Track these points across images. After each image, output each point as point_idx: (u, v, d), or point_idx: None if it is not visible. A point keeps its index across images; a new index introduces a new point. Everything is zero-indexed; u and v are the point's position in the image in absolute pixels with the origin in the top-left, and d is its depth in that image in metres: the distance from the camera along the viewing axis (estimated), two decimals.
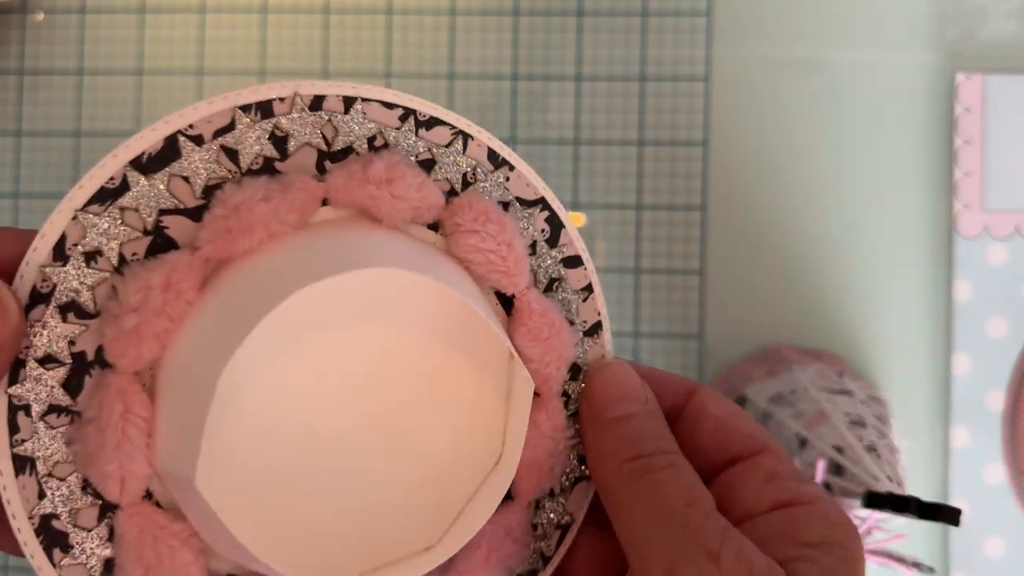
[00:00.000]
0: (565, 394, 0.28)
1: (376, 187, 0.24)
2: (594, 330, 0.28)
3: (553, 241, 0.27)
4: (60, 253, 0.23)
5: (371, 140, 0.25)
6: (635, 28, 0.51)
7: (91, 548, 0.23)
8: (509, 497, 0.27)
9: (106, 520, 0.23)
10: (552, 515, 0.28)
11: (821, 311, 0.50)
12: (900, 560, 0.40)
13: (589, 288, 0.28)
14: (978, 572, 0.47)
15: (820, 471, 0.39)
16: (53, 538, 0.23)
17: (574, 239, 0.28)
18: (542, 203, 0.27)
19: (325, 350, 0.24)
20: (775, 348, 0.49)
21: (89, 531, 0.23)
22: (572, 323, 0.27)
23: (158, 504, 0.24)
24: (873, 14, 0.50)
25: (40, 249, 0.23)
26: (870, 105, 0.50)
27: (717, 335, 0.50)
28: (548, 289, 0.27)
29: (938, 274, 0.49)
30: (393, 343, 0.25)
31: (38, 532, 0.23)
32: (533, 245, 0.27)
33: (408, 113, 0.26)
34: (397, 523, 0.25)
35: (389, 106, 0.25)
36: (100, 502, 0.23)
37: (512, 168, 0.27)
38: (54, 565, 0.23)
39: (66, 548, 0.23)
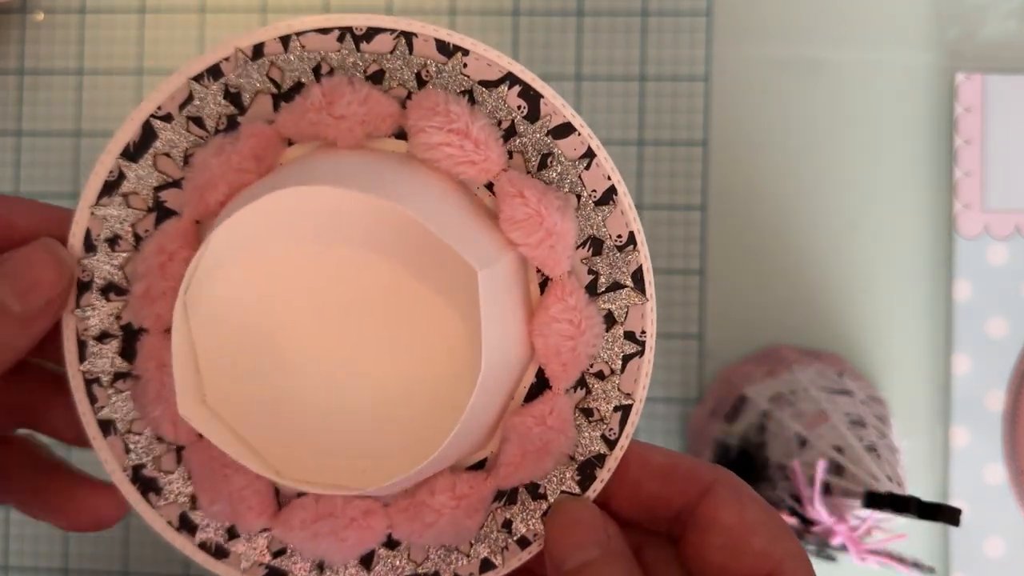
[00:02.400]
0: (592, 271, 0.26)
1: (316, 113, 0.25)
2: (608, 197, 0.26)
3: (533, 115, 0.26)
4: (89, 244, 0.26)
5: (316, 70, 0.26)
6: (635, 28, 0.51)
7: (178, 488, 0.27)
8: (548, 387, 0.26)
9: (182, 461, 0.27)
10: (606, 398, 0.26)
11: (821, 311, 0.50)
12: (900, 560, 0.40)
13: (590, 154, 0.26)
14: (978, 572, 0.47)
15: (820, 471, 0.39)
16: (146, 484, 0.27)
17: (558, 107, 0.26)
18: (509, 79, 0.26)
19: (273, 265, 0.26)
20: (775, 348, 0.49)
21: (172, 473, 0.27)
22: (578, 195, 0.26)
23: None
24: (873, 14, 0.50)
25: (74, 244, 0.26)
26: (870, 105, 0.50)
27: (717, 335, 0.50)
28: (543, 166, 0.26)
29: (938, 274, 0.49)
30: (347, 262, 0.26)
31: (132, 481, 0.27)
32: (511, 126, 0.26)
33: (344, 32, 0.25)
34: (390, 428, 0.26)
35: (324, 31, 0.25)
36: (174, 447, 0.27)
37: (467, 53, 0.26)
38: (151, 506, 0.27)
39: (158, 491, 0.27)
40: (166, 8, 0.52)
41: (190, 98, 0.26)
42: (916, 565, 0.40)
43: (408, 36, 0.26)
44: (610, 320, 0.26)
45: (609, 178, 0.26)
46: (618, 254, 0.26)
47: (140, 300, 0.26)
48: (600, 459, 0.26)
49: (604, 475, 0.26)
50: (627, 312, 0.26)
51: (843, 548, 0.40)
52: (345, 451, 0.26)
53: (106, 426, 0.27)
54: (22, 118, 0.53)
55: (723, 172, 0.50)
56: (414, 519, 0.26)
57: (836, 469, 0.40)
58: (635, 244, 0.26)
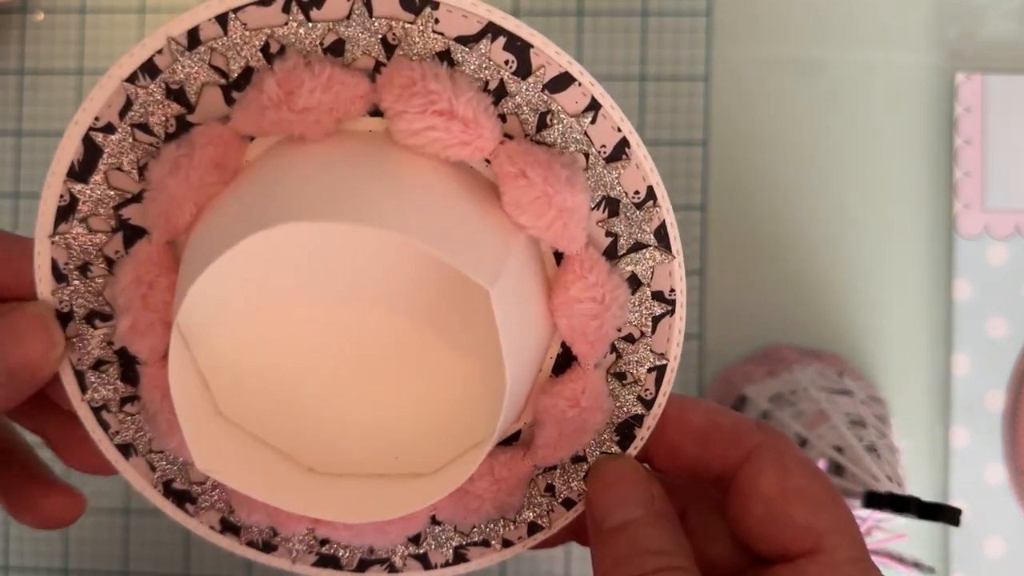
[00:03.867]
0: (610, 233, 0.24)
1: (275, 110, 0.22)
2: (620, 151, 0.23)
3: (524, 70, 0.23)
4: (59, 274, 0.24)
5: (265, 50, 0.22)
6: (635, 28, 0.51)
7: (214, 496, 0.26)
8: (575, 359, 0.25)
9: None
10: (639, 360, 0.25)
11: (821, 311, 0.50)
12: (900, 560, 0.40)
13: (594, 105, 0.23)
14: (978, 572, 0.47)
15: None
16: (179, 497, 0.26)
17: (551, 56, 0.23)
18: (491, 30, 0.22)
19: (268, 307, 0.25)
20: (775, 348, 0.49)
21: (203, 483, 0.26)
22: (586, 154, 0.23)
23: None
24: (873, 14, 0.50)
25: (43, 280, 0.24)
26: (870, 105, 0.50)
27: (717, 335, 0.50)
28: (542, 126, 0.23)
29: (938, 274, 0.49)
30: (345, 299, 0.25)
31: (165, 495, 0.26)
32: (500, 86, 0.23)
33: (288, 1, 0.22)
34: (399, 443, 0.26)
35: (266, 3, 0.22)
36: None
37: (437, 6, 0.22)
38: (190, 516, 0.26)
39: (193, 500, 0.26)
40: (166, 8, 0.52)
41: (129, 103, 0.23)
42: (916, 565, 0.40)
43: None
44: (635, 282, 0.24)
45: (619, 129, 0.23)
46: (637, 212, 0.24)
47: (128, 335, 0.24)
48: (638, 419, 0.25)
49: (644, 433, 0.25)
50: (652, 272, 0.24)
51: None
52: (374, 449, 0.26)
53: (125, 449, 0.26)
54: (22, 118, 0.53)
55: (723, 172, 0.50)
56: (457, 505, 0.26)
57: (836, 469, 0.40)
58: (655, 199, 0.23)
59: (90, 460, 0.27)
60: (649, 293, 0.24)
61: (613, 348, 0.25)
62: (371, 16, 0.22)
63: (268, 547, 0.27)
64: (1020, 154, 0.48)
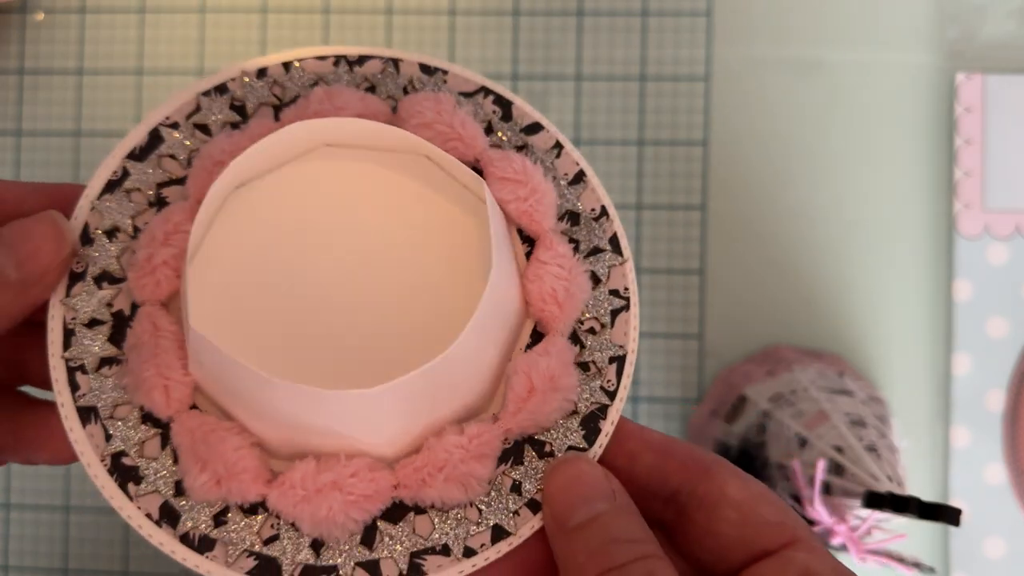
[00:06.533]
0: (573, 239, 0.29)
1: (318, 104, 0.28)
2: (579, 178, 0.29)
3: (507, 117, 0.29)
4: (86, 238, 0.27)
5: (312, 86, 0.29)
6: (635, 28, 0.51)
7: (159, 473, 0.26)
8: (540, 335, 0.28)
9: (169, 445, 0.26)
10: (600, 349, 0.27)
11: (821, 311, 0.50)
12: (900, 560, 0.40)
13: (558, 145, 0.29)
14: (978, 572, 0.47)
15: (820, 471, 0.39)
16: (125, 473, 0.26)
17: (528, 111, 0.29)
18: (484, 90, 0.29)
19: (294, 179, 0.28)
20: (775, 348, 0.49)
21: (155, 459, 0.26)
22: (554, 177, 0.29)
23: None
24: (873, 14, 0.50)
25: (74, 231, 0.27)
26: (870, 105, 0.50)
27: (717, 335, 0.50)
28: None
29: (938, 274, 0.49)
30: (366, 176, 0.29)
31: (111, 471, 0.26)
32: (489, 125, 0.29)
33: (339, 59, 0.29)
34: (397, 346, 0.27)
35: (321, 59, 0.29)
36: (160, 430, 0.26)
37: (446, 73, 0.29)
38: (130, 498, 0.25)
39: (138, 479, 0.26)
40: (166, 8, 0.52)
41: (197, 109, 0.29)
42: (916, 565, 0.40)
43: (395, 61, 0.29)
44: (595, 279, 0.28)
45: (578, 164, 0.29)
46: (594, 223, 0.29)
47: (141, 267, 0.26)
48: (603, 410, 0.27)
49: (608, 427, 0.26)
50: (609, 272, 0.28)
51: (843, 548, 0.40)
52: (366, 362, 0.26)
53: (86, 414, 0.26)
54: (22, 118, 0.53)
55: (723, 172, 0.50)
56: (420, 468, 0.25)
57: (836, 469, 0.40)
58: (608, 215, 0.29)
59: (64, 446, 0.26)
60: (607, 290, 0.28)
61: (579, 341, 0.27)
62: (398, 74, 0.29)
63: (205, 544, 0.25)
64: (1020, 154, 0.48)
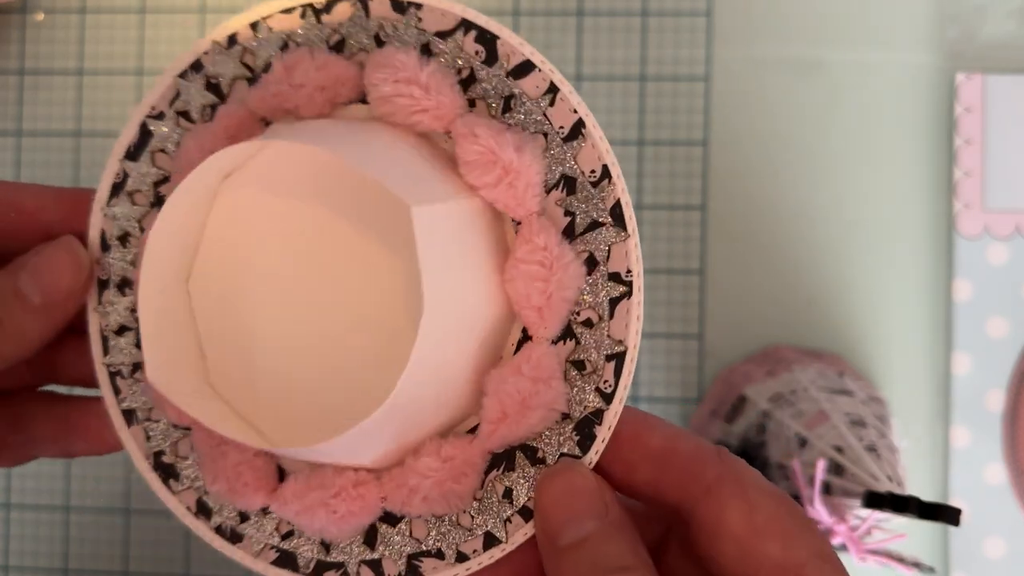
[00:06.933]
0: (568, 212, 0.25)
1: (276, 84, 0.26)
2: (576, 131, 0.25)
3: (491, 58, 0.25)
4: (104, 244, 0.28)
5: (284, 48, 0.27)
6: (635, 28, 0.51)
7: (193, 473, 0.27)
8: (528, 338, 0.25)
9: (192, 444, 0.27)
10: (597, 346, 0.25)
11: (821, 311, 0.50)
12: (900, 560, 0.40)
13: (552, 89, 0.25)
14: (978, 572, 0.47)
15: (820, 471, 0.39)
16: (166, 470, 0.27)
17: (515, 46, 0.25)
18: (464, 25, 0.25)
19: (233, 210, 0.27)
20: (775, 348, 0.49)
21: (187, 459, 0.27)
22: (545, 134, 0.25)
23: None
24: (873, 14, 0.50)
25: (93, 244, 0.28)
26: (870, 105, 0.50)
27: (717, 335, 0.50)
28: (507, 109, 0.25)
29: (938, 274, 0.49)
30: (287, 213, 0.26)
31: (154, 468, 0.27)
32: (471, 74, 0.25)
33: (306, 8, 0.26)
34: (350, 382, 0.26)
35: (288, 11, 0.27)
36: (187, 431, 0.27)
37: (420, 7, 0.25)
38: (172, 493, 0.27)
39: (176, 476, 0.27)
40: (166, 8, 0.52)
41: (178, 94, 0.27)
42: (916, 565, 0.40)
43: (364, 1, 0.26)
44: (592, 263, 0.25)
45: (575, 111, 0.25)
46: (593, 190, 0.25)
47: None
48: (598, 415, 0.24)
49: (604, 433, 0.24)
50: (609, 251, 0.25)
51: (843, 548, 0.40)
52: (316, 410, 0.26)
53: (129, 416, 0.28)
54: (22, 118, 0.53)
55: (723, 172, 0.50)
56: (402, 485, 0.25)
57: (836, 469, 0.40)
58: (610, 178, 0.25)
59: (104, 437, 0.29)
60: (606, 273, 0.25)
61: (572, 335, 0.25)
62: (367, 17, 0.26)
63: (235, 536, 0.27)
64: (1020, 154, 0.48)
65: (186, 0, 0.52)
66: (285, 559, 0.27)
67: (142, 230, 0.28)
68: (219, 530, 0.27)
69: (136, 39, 0.52)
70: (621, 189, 0.25)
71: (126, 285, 0.28)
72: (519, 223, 0.25)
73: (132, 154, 0.28)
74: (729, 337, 0.50)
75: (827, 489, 0.40)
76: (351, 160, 0.23)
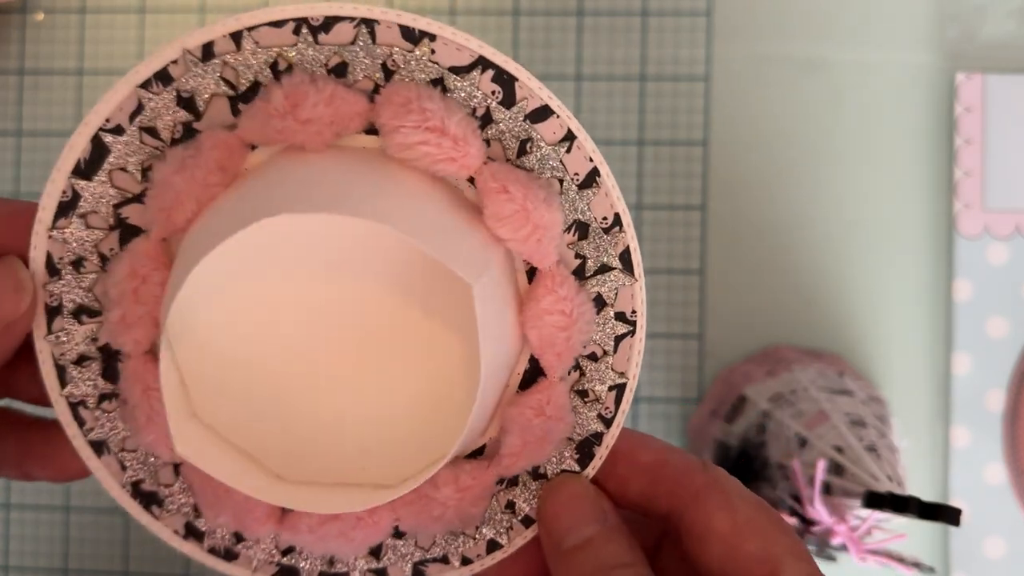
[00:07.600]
0: (579, 255, 0.26)
1: (280, 119, 0.23)
2: (591, 179, 0.25)
3: (509, 100, 0.25)
4: (52, 268, 0.25)
5: (273, 67, 0.24)
6: (635, 28, 0.51)
7: (180, 500, 0.27)
8: (542, 374, 0.26)
9: (181, 475, 0.26)
10: (600, 378, 0.26)
11: (821, 311, 0.50)
12: (900, 560, 0.40)
13: (570, 136, 0.25)
14: (978, 572, 0.47)
15: (820, 471, 0.39)
16: (146, 498, 0.27)
17: (534, 89, 0.25)
18: (481, 63, 0.24)
19: (257, 295, 0.25)
20: (775, 348, 0.49)
21: (171, 486, 0.27)
22: (561, 180, 0.25)
23: None
24: (873, 14, 0.50)
25: (36, 269, 0.25)
26: (870, 105, 0.50)
27: (717, 335, 0.50)
28: (522, 152, 0.25)
29: (938, 274, 0.49)
30: (334, 286, 0.25)
31: (133, 496, 0.26)
32: (486, 113, 0.25)
33: (299, 24, 0.24)
34: (366, 457, 0.26)
35: (278, 24, 0.24)
36: (171, 463, 0.26)
37: (434, 38, 0.24)
38: (155, 518, 0.27)
39: (160, 503, 0.27)
40: (166, 8, 0.52)
41: (140, 107, 0.24)
42: (916, 565, 0.40)
43: (370, 23, 0.24)
44: (600, 303, 0.26)
45: (591, 159, 0.25)
46: (604, 236, 0.26)
47: (116, 327, 0.25)
48: (597, 437, 0.26)
49: (602, 452, 0.26)
50: (616, 293, 0.26)
51: (843, 548, 0.40)
52: (343, 456, 0.26)
53: (99, 447, 0.26)
54: (22, 118, 0.53)
55: (723, 172, 0.50)
56: (420, 513, 0.26)
57: (836, 469, 0.40)
58: (621, 225, 0.25)
59: (69, 465, 0.27)
60: (612, 313, 0.26)
61: (577, 366, 0.26)
62: (374, 43, 0.24)
63: (230, 555, 0.27)
64: (1020, 154, 0.48)
65: (186, 0, 0.52)
66: (286, 571, 0.27)
67: (101, 256, 0.25)
68: (212, 551, 0.27)
69: (136, 39, 0.52)
70: (631, 236, 0.26)
71: (83, 312, 0.25)
72: (535, 268, 0.26)
73: (84, 171, 0.25)
74: (729, 337, 0.50)
75: (827, 489, 0.40)
76: (404, 231, 0.22)
